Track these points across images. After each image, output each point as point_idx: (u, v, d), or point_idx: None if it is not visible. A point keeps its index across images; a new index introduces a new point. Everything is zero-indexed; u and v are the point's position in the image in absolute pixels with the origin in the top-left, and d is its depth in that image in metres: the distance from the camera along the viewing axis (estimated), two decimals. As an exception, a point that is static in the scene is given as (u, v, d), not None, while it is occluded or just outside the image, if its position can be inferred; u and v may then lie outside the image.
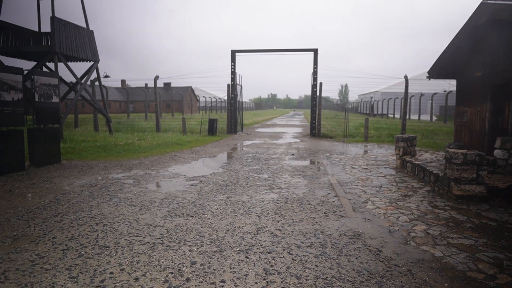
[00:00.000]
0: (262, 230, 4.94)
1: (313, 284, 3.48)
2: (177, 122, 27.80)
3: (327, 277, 3.61)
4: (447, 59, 10.42)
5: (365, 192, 7.24)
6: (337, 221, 5.37)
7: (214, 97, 69.18)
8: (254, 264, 3.89)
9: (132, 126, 24.45)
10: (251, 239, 4.61)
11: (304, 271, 3.75)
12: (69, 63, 16.13)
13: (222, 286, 3.42)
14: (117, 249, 4.25)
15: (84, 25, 17.08)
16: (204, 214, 5.63)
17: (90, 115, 36.66)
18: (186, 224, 5.18)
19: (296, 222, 5.32)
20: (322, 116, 21.77)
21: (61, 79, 15.80)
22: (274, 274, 3.67)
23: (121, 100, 68.22)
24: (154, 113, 30.00)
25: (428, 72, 11.44)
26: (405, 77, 18.51)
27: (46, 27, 16.51)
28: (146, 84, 72.64)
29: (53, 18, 14.83)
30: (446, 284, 3.52)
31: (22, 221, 5.24)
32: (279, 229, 4.99)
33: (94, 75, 18.50)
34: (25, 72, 10.06)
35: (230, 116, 21.62)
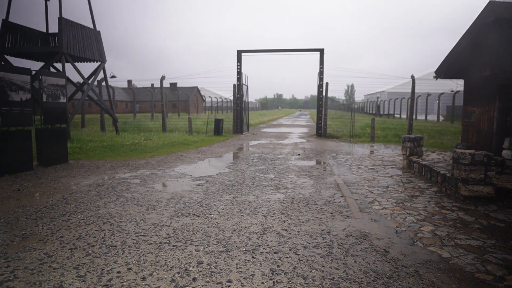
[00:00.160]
0: (269, 230, 4.94)
1: (320, 284, 3.47)
2: (183, 122, 27.88)
3: (333, 278, 3.60)
4: (454, 58, 10.35)
5: (372, 192, 7.21)
6: (344, 222, 5.36)
7: (220, 97, 69.33)
8: (261, 264, 3.89)
9: (139, 126, 24.56)
10: (258, 239, 4.61)
11: (311, 271, 3.74)
12: (76, 64, 16.24)
13: (229, 286, 3.42)
14: (124, 248, 4.28)
15: (91, 26, 17.20)
16: (210, 214, 5.64)
17: (97, 115, 36.92)
18: (193, 224, 5.19)
19: (303, 222, 5.31)
20: (328, 116, 21.72)
21: (68, 80, 15.91)
22: (280, 274, 3.67)
23: (127, 100, 68.57)
24: (160, 113, 30.13)
25: (435, 72, 11.37)
26: (412, 77, 18.41)
27: (53, 28, 16.65)
28: (152, 84, 72.99)
29: (61, 19, 14.94)
30: (454, 285, 3.50)
31: (31, 220, 5.29)
32: (286, 229, 4.99)
33: (101, 75, 18.64)
34: (33, 72, 10.14)
35: (236, 116, 21.64)
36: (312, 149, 14.50)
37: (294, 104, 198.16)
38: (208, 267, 3.81)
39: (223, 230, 4.92)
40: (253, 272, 3.71)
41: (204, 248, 4.31)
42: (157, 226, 5.09)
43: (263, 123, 35.94)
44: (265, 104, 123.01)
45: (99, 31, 17.64)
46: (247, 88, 23.38)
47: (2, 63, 15.44)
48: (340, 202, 6.44)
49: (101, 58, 17.70)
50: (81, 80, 17.76)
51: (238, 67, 21.57)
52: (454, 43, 10.16)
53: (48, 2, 17.17)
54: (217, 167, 10.08)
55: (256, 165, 10.29)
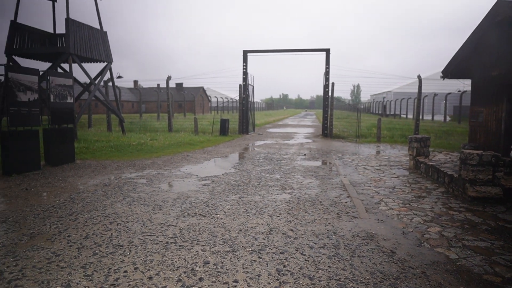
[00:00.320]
0: (275, 231, 4.93)
1: (326, 285, 3.47)
2: (189, 122, 27.96)
3: (340, 278, 3.59)
4: (461, 58, 10.28)
5: (378, 193, 7.18)
6: (350, 222, 5.34)
7: (225, 97, 69.39)
8: (267, 264, 3.89)
9: (145, 126, 24.66)
10: (264, 239, 4.61)
11: (317, 272, 3.73)
12: (83, 64, 16.35)
13: (235, 286, 3.43)
14: (130, 248, 4.29)
15: (97, 26, 17.30)
16: (216, 214, 5.65)
17: (103, 115, 37.10)
18: (199, 224, 5.20)
19: (309, 222, 5.30)
20: (334, 116, 21.66)
21: (75, 80, 16.02)
22: (287, 274, 3.67)
23: (133, 101, 68.88)
24: (166, 113, 30.23)
25: (442, 72, 11.30)
26: (419, 76, 18.30)
27: (61, 29, 16.77)
28: (158, 85, 73.27)
29: (68, 20, 15.04)
30: (461, 287, 3.47)
31: (38, 219, 5.33)
32: (292, 230, 4.98)
33: (107, 75, 18.73)
34: (41, 73, 10.22)
35: (242, 116, 21.65)
36: (318, 149, 14.47)
37: (300, 104, 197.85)
38: (215, 267, 3.82)
39: (229, 230, 4.93)
40: (260, 272, 3.71)
41: (210, 248, 4.32)
42: (163, 226, 5.10)
43: (269, 123, 35.93)
44: (271, 104, 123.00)
45: (105, 32, 17.74)
46: (253, 88, 23.39)
47: (10, 63, 15.59)
48: (346, 202, 6.42)
49: (108, 59, 17.79)
50: (87, 81, 17.86)
51: (244, 67, 21.58)
52: (460, 43, 10.10)
53: (55, 3, 17.31)
54: (223, 167, 10.09)
55: (262, 165, 10.29)
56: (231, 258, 4.04)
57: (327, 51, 20.26)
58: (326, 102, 20.51)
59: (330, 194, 7.04)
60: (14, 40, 15.52)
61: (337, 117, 37.13)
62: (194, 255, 4.12)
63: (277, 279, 3.56)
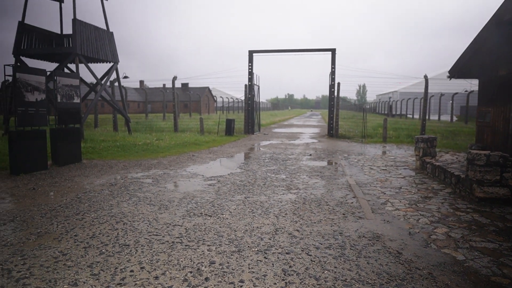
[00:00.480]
0: (281, 231, 4.93)
1: (332, 285, 3.46)
2: (194, 122, 28.02)
3: (346, 279, 3.58)
4: (469, 58, 10.19)
5: (384, 193, 7.14)
6: (356, 223, 5.32)
7: (231, 98, 69.44)
8: (273, 264, 3.89)
9: (151, 126, 24.75)
10: (270, 239, 4.61)
11: (323, 272, 3.72)
12: (89, 64, 16.44)
13: (241, 286, 3.43)
14: (137, 247, 4.31)
15: (104, 27, 17.39)
16: (222, 214, 5.66)
17: (110, 115, 37.30)
18: (205, 223, 5.21)
19: (315, 223, 5.29)
20: (340, 116, 21.59)
21: (81, 80, 16.12)
22: (293, 275, 3.66)
23: (139, 101, 69.16)
24: (172, 113, 30.32)
25: (449, 72, 11.22)
26: (425, 76, 18.19)
27: (67, 29, 16.89)
28: (164, 85, 73.45)
29: (75, 20, 15.14)
30: (469, 288, 3.44)
31: (45, 218, 5.37)
32: (298, 230, 4.97)
33: (113, 75, 18.83)
34: (48, 73, 10.30)
35: (247, 117, 21.66)
36: (323, 149, 14.44)
37: (306, 104, 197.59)
38: (220, 267, 3.82)
39: (235, 230, 4.93)
40: (265, 272, 3.71)
41: (216, 248, 4.32)
42: (169, 225, 5.12)
43: (274, 123, 35.92)
44: (276, 104, 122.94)
45: (112, 32, 17.83)
46: (259, 88, 23.39)
47: (18, 64, 15.72)
48: (352, 203, 6.40)
49: (114, 59, 17.89)
50: (94, 81, 17.98)
51: (250, 67, 21.59)
52: (467, 42, 10.02)
53: (62, 3, 17.43)
54: (228, 167, 10.10)
55: (268, 166, 10.28)
56: (237, 258, 4.04)
57: (333, 51, 20.21)
58: (332, 102, 20.46)
59: (336, 194, 7.02)
60: (22, 41, 15.66)
61: (343, 117, 37.00)
62: (200, 255, 4.12)
63: (283, 279, 3.56)
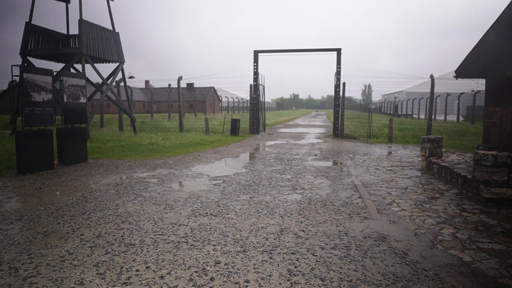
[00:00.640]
0: (286, 231, 4.92)
1: (338, 286, 3.44)
2: (200, 122, 28.07)
3: (352, 280, 3.56)
4: (476, 57, 10.12)
5: (390, 193, 7.11)
6: (362, 223, 5.30)
7: (236, 98, 69.49)
8: (278, 264, 3.88)
9: (156, 126, 24.83)
10: (275, 239, 4.61)
11: (329, 273, 3.71)
12: (95, 64, 16.53)
13: (246, 286, 3.43)
14: (142, 247, 4.33)
15: (110, 27, 17.47)
16: (227, 214, 5.66)
17: (115, 115, 37.44)
18: (210, 223, 5.22)
19: (320, 223, 5.28)
20: (345, 116, 21.53)
21: (87, 80, 16.21)
22: (298, 275, 3.66)
23: (145, 101, 69.41)
24: (177, 113, 30.38)
25: (456, 72, 11.14)
26: (431, 76, 18.09)
27: (74, 30, 16.99)
28: (169, 85, 73.67)
29: (81, 21, 15.23)
30: (476, 289, 3.42)
31: (52, 218, 5.40)
32: (303, 230, 4.96)
33: (119, 76, 18.90)
34: (54, 73, 10.36)
35: (253, 116, 21.66)
36: (329, 149, 14.40)
37: (311, 104, 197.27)
38: (226, 267, 3.82)
39: (240, 230, 4.93)
40: (271, 272, 3.70)
41: (221, 248, 4.33)
42: (174, 225, 5.13)
43: (280, 123, 35.89)
44: (281, 104, 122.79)
45: (117, 33, 17.91)
46: (264, 88, 23.37)
47: (25, 64, 15.84)
48: (357, 203, 6.38)
49: (120, 59, 17.96)
50: (100, 81, 18.06)
51: (255, 67, 21.58)
52: (473, 42, 9.95)
53: (68, 4, 17.53)
54: (233, 167, 10.11)
55: (273, 166, 10.28)
56: (242, 258, 4.04)
57: (338, 50, 20.16)
58: (337, 102, 20.41)
59: (341, 194, 7.00)
60: (29, 41, 15.78)
61: (348, 117, 36.91)
62: (205, 254, 4.13)
63: (288, 280, 3.55)
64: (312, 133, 23.58)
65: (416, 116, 45.58)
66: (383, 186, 7.79)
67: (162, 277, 3.58)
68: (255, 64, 21.58)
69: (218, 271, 3.73)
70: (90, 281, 3.48)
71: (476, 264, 3.96)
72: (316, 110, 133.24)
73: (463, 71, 10.87)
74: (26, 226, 5.03)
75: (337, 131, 20.21)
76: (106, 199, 6.51)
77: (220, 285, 3.44)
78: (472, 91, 32.76)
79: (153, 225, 5.10)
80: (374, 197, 6.85)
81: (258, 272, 3.71)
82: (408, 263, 3.95)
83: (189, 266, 3.82)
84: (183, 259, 3.99)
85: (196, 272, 3.70)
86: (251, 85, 21.58)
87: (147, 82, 76.94)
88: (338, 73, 20.09)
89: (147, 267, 3.79)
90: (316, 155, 12.68)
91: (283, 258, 4.05)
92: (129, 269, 3.75)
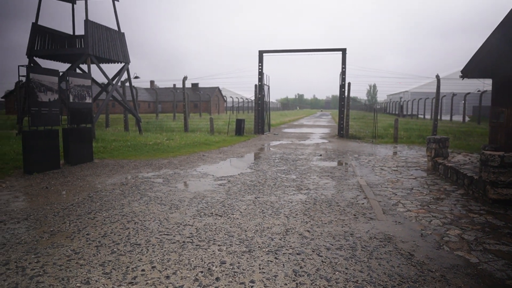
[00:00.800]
0: (291, 231, 4.91)
1: (343, 287, 3.43)
2: (204, 122, 28.11)
3: (357, 281, 3.55)
4: (482, 57, 10.04)
5: (396, 194, 7.08)
6: (367, 224, 5.28)
7: (241, 98, 69.51)
8: (284, 265, 3.88)
9: (161, 126, 24.90)
10: (280, 240, 4.60)
11: (334, 273, 3.70)
12: (101, 65, 16.60)
13: (252, 286, 3.42)
14: (148, 247, 4.34)
15: (115, 28, 17.54)
16: (232, 214, 5.66)
17: (121, 115, 37.57)
18: (215, 223, 5.22)
19: (325, 223, 5.27)
20: (350, 116, 21.46)
21: (93, 80, 16.29)
22: (303, 275, 3.65)
23: (150, 101, 69.64)
24: (182, 113, 30.45)
25: (462, 71, 11.07)
26: (437, 76, 17.99)
27: (79, 30, 17.08)
28: (174, 85, 73.88)
29: (87, 21, 15.30)
30: (483, 291, 3.39)
31: (58, 217, 5.43)
32: (308, 231, 4.95)
33: (124, 76, 18.98)
34: (60, 73, 10.42)
35: (257, 117, 21.65)
36: (334, 149, 14.37)
37: (316, 105, 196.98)
38: (231, 267, 3.83)
39: (245, 230, 4.93)
40: (276, 273, 3.70)
41: (227, 248, 4.33)
42: (180, 225, 5.14)
43: (284, 123, 35.87)
44: (286, 104, 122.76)
45: (123, 33, 17.98)
46: (268, 88, 23.37)
47: (32, 64, 15.95)
48: (363, 203, 6.36)
49: (125, 59, 18.03)
50: (105, 81, 18.14)
51: (260, 67, 21.58)
52: (479, 42, 9.87)
53: (74, 5, 17.63)
54: (238, 167, 10.11)
55: (278, 166, 10.27)
56: (247, 258, 4.04)
57: (343, 50, 20.11)
58: (342, 102, 20.36)
59: (346, 195, 6.98)
60: (35, 42, 15.88)
61: (353, 117, 36.82)
62: (211, 254, 4.13)
63: (294, 280, 3.55)
64: (317, 133, 23.55)
65: (422, 116, 45.36)
66: (388, 186, 7.76)
67: (167, 277, 3.59)
68: (260, 64, 21.57)
69: (224, 271, 3.73)
70: (96, 281, 3.50)
71: (483, 265, 3.93)
72: (321, 110, 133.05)
73: (469, 71, 10.80)
74: (33, 226, 5.06)
75: (342, 131, 20.16)
76: (112, 198, 6.54)
77: (225, 285, 3.44)
78: (478, 91, 32.55)
79: (158, 225, 5.12)
80: (380, 197, 6.82)
81: (264, 272, 3.71)
82: (414, 264, 3.93)
83: (194, 266, 3.83)
84: (189, 259, 4.00)
85: (202, 272, 3.71)
86: (256, 85, 21.58)
87: (152, 82, 77.20)
88: (343, 73, 20.04)
89: (153, 267, 3.80)
90: (321, 155, 12.66)
91: (289, 258, 4.05)
92: (134, 268, 3.76)
